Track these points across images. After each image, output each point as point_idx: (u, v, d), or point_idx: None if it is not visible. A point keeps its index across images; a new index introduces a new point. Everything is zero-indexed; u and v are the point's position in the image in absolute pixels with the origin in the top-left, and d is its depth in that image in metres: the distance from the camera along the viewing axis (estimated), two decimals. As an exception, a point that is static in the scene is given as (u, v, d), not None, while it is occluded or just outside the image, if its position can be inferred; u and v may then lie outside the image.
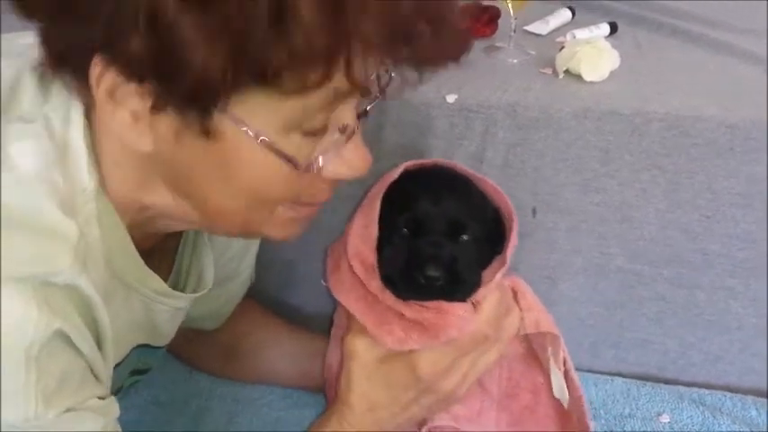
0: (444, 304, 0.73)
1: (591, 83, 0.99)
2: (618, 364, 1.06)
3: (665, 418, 0.99)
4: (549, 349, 0.82)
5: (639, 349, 1.05)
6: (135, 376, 0.80)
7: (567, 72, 1.01)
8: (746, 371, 1.04)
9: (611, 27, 1.12)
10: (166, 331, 0.78)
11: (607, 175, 0.97)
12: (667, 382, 1.05)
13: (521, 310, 0.79)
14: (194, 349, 1.00)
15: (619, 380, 1.04)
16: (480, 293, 0.76)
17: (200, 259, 0.80)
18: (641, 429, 0.98)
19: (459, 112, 0.97)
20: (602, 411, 0.97)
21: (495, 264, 0.79)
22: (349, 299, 0.78)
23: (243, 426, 0.96)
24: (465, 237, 0.76)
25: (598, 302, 1.04)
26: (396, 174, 0.78)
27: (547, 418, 0.85)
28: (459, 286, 0.74)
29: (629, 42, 1.09)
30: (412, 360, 0.74)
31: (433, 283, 0.73)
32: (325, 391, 0.92)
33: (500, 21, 1.10)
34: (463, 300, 0.75)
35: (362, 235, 0.77)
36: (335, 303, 0.85)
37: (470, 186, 0.80)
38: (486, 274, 0.78)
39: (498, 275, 0.77)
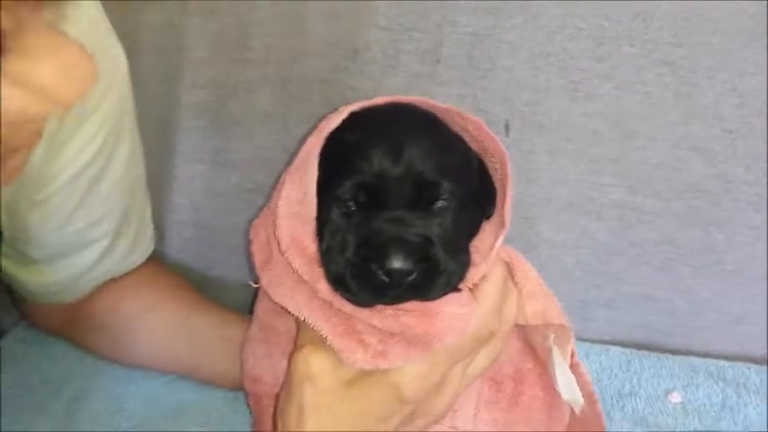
0: (428, 303, 0.59)
1: (578, -44, 0.89)
2: (614, 329, 0.96)
3: (676, 397, 0.88)
4: (552, 337, 0.66)
5: (641, 309, 0.95)
6: None
7: (547, -54, 0.90)
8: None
9: None
10: None
11: (601, 75, 0.86)
12: (676, 351, 0.95)
13: (519, 293, 0.64)
14: (75, 332, 0.90)
15: (616, 349, 0.94)
16: (477, 273, 0.60)
17: None
18: (646, 410, 0.87)
19: (407, -6, 0.85)
20: (595, 389, 0.83)
21: (488, 227, 0.65)
22: (295, 302, 0.60)
23: (134, 413, 0.84)
24: (440, 203, 0.61)
25: (588, 248, 0.94)
26: (337, 120, 0.60)
27: (531, 411, 0.70)
28: (440, 277, 0.59)
29: None
30: (392, 379, 0.59)
31: (402, 279, 0.57)
32: (251, 406, 0.74)
33: None
34: (451, 291, 0.60)
35: (298, 214, 0.61)
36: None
37: (442, 129, 0.65)
38: (478, 244, 0.63)
39: (498, 243, 0.61)
